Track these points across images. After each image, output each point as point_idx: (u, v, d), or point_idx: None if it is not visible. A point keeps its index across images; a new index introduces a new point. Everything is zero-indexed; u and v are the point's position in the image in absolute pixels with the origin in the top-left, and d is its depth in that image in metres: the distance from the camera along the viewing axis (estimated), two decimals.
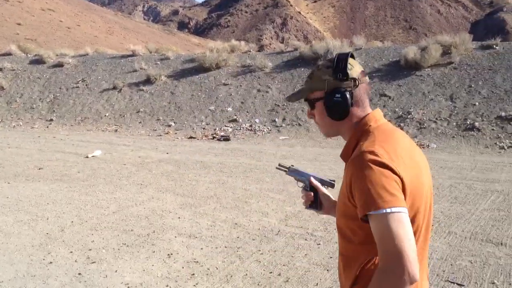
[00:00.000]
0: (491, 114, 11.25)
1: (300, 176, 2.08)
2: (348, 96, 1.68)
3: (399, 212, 1.45)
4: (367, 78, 1.76)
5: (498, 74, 12.46)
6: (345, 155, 1.71)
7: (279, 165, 2.19)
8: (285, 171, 2.14)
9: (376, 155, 1.53)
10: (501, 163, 8.85)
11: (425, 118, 11.83)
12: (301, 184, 2.08)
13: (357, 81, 1.70)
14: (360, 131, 1.69)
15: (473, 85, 12.40)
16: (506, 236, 5.28)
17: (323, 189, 2.05)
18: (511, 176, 7.85)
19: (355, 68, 1.70)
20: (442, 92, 12.58)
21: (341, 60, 1.69)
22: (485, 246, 5.05)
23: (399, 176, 1.51)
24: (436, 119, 11.70)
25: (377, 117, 1.72)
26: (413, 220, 1.56)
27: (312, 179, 2.05)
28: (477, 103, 11.76)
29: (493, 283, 4.24)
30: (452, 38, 14.06)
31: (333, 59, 1.71)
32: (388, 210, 1.44)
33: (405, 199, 1.51)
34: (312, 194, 2.03)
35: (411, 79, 13.38)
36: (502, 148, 10.00)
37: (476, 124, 11.02)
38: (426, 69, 13.50)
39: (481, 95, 12.00)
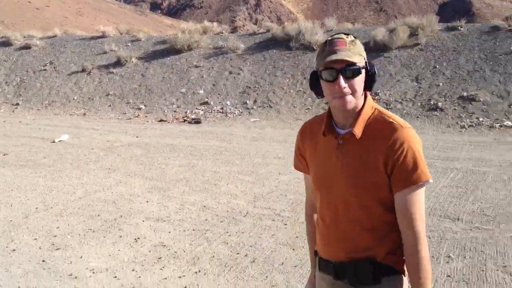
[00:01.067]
0: (454, 95, 11.44)
1: None
2: None
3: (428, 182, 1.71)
4: None
5: (461, 55, 12.63)
6: (356, 133, 1.74)
7: None
8: None
9: (414, 131, 1.73)
10: (461, 142, 9.03)
11: (391, 99, 11.95)
12: None
13: None
14: (369, 111, 1.77)
15: (437, 66, 12.54)
16: (463, 212, 5.43)
17: None
18: (470, 154, 8.01)
19: None
20: (408, 73, 12.70)
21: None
22: (443, 221, 5.18)
23: None
24: (402, 99, 11.84)
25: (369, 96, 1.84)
26: None
27: None
28: (441, 84, 11.92)
29: (449, 256, 4.35)
30: (419, 19, 14.15)
31: (353, 34, 1.75)
32: (431, 181, 1.70)
33: None
34: None
35: (379, 60, 13.45)
36: (463, 127, 10.20)
37: (440, 104, 11.18)
38: (394, 51, 13.58)
39: (445, 76, 12.16)
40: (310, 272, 2.10)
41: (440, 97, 11.50)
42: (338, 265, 1.82)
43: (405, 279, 1.82)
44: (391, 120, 1.73)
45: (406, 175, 1.67)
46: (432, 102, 11.40)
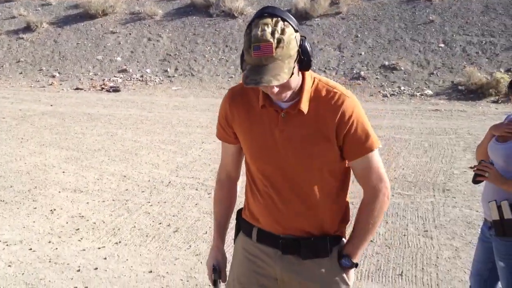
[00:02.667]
0: (376, 64, 11.76)
1: None
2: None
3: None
4: None
5: (382, 24, 12.96)
6: (300, 107, 1.68)
7: None
8: None
9: (357, 99, 1.75)
10: (384, 110, 9.33)
11: (315, 68, 12.09)
12: None
13: None
14: (310, 83, 1.72)
15: (359, 35, 12.81)
16: None
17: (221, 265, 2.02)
18: (392, 122, 8.30)
19: None
20: (331, 42, 12.89)
21: (285, 13, 1.57)
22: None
23: None
24: (326, 68, 12.03)
25: None
26: None
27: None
28: (363, 53, 12.21)
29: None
30: None
31: (281, 18, 1.54)
32: (377, 148, 1.75)
33: None
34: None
35: (301, 28, 13.47)
36: (385, 96, 10.52)
37: (362, 73, 11.47)
38: (316, 19, 13.71)
39: (367, 44, 12.46)
40: (213, 243, 2.03)
41: (362, 66, 11.78)
42: (288, 240, 1.80)
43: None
44: (335, 90, 1.70)
45: (360, 145, 1.70)
46: (354, 71, 11.66)
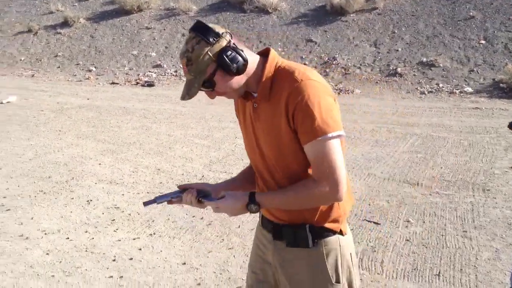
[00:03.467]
0: (413, 60, 11.53)
1: (170, 195, 1.93)
2: (234, 49, 1.70)
3: (336, 136, 1.65)
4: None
5: (420, 20, 12.70)
6: (263, 95, 1.74)
7: (144, 203, 1.97)
8: (152, 201, 1.93)
9: (315, 82, 1.67)
10: (421, 108, 9.14)
11: (350, 64, 11.96)
12: (176, 196, 1.93)
13: (228, 35, 1.71)
14: (271, 71, 1.75)
15: (396, 31, 12.60)
16: (422, 177, 5.49)
17: (200, 186, 1.96)
18: (430, 120, 8.13)
19: (216, 27, 1.72)
20: (367, 37, 12.72)
21: (203, 27, 1.70)
22: (402, 186, 5.24)
23: (334, 100, 1.72)
24: (361, 65, 11.87)
25: (276, 54, 1.80)
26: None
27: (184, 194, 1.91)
28: (400, 49, 12.00)
29: (408, 221, 4.41)
30: None
31: (195, 34, 1.69)
32: (331, 135, 1.64)
33: None
34: (195, 197, 1.91)
35: (336, 24, 13.42)
36: (423, 93, 10.31)
37: (399, 69, 11.26)
38: (352, 15, 13.56)
39: (404, 41, 12.24)
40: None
41: (399, 63, 11.57)
42: (276, 226, 1.86)
43: (345, 238, 1.85)
44: (292, 73, 1.70)
45: (308, 129, 1.64)
46: (391, 68, 11.46)
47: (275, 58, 1.78)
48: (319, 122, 1.62)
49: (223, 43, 1.69)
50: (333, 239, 1.81)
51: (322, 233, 1.80)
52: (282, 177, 1.78)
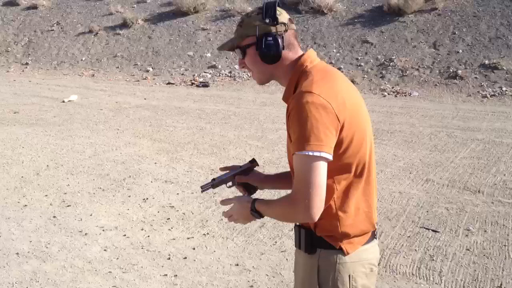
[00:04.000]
0: (475, 62, 11.17)
1: (225, 180, 2.08)
2: (279, 39, 1.72)
3: (319, 157, 1.55)
4: (294, 25, 1.81)
5: (482, 21, 12.28)
6: (287, 98, 1.75)
7: (202, 187, 2.11)
8: (211, 187, 2.09)
9: (313, 95, 1.59)
10: (483, 112, 8.84)
11: (407, 66, 11.71)
12: (230, 184, 2.09)
13: (286, 26, 1.74)
14: (297, 73, 1.75)
15: (457, 32, 12.24)
16: (484, 184, 5.30)
17: (253, 177, 2.09)
18: (492, 125, 7.84)
19: (283, 15, 1.75)
20: (425, 39, 12.41)
21: (270, 6, 1.73)
22: (462, 193, 5.07)
23: (336, 115, 1.59)
24: (419, 66, 11.60)
25: (312, 57, 1.77)
26: (355, 157, 1.67)
27: (237, 177, 2.07)
28: (460, 51, 11.64)
29: (469, 230, 4.27)
30: None
31: (262, 9, 1.73)
32: (310, 153, 1.55)
33: (341, 137, 1.62)
34: (244, 188, 2.08)
35: (394, 25, 13.17)
36: (485, 96, 9.97)
37: (459, 72, 10.93)
38: (410, 15, 13.27)
39: (465, 42, 11.87)
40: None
41: (460, 65, 11.22)
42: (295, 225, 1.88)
43: (348, 258, 1.72)
44: (305, 79, 1.69)
45: (293, 140, 1.61)
46: (451, 70, 11.14)
47: (307, 60, 1.76)
48: (300, 136, 1.57)
49: (273, 29, 1.72)
50: (330, 253, 1.73)
51: (320, 243, 1.74)
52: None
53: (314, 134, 1.55)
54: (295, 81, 1.73)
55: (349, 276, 1.73)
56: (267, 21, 1.71)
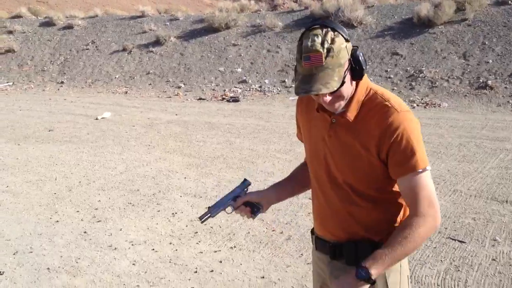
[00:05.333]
0: (505, 72, 11.00)
1: (222, 205, 2.06)
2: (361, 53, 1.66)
3: (429, 169, 1.67)
4: None
5: None
6: (348, 116, 1.69)
7: (200, 218, 2.09)
8: (208, 216, 2.07)
9: (411, 114, 1.65)
10: None
11: (437, 77, 11.62)
12: (229, 210, 2.07)
13: None
14: (362, 93, 1.71)
15: (487, 42, 12.09)
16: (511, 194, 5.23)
17: (250, 195, 2.07)
18: None
19: None
20: (455, 50, 12.30)
21: (336, 25, 1.62)
22: (490, 204, 5.01)
23: None
24: (449, 77, 11.49)
25: (366, 76, 1.74)
26: None
27: (237, 200, 2.06)
28: (490, 61, 11.49)
29: (495, 240, 4.22)
30: None
31: (331, 28, 1.58)
32: (428, 168, 1.65)
33: None
34: (246, 207, 2.06)
35: (423, 37, 13.09)
36: None
37: (489, 82, 10.79)
38: (439, 27, 13.17)
39: (495, 52, 11.71)
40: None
41: (490, 75, 11.08)
42: (335, 244, 1.82)
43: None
44: (386, 103, 1.65)
45: (402, 162, 1.61)
46: (481, 80, 11.00)
47: (367, 80, 1.73)
48: (419, 156, 1.61)
49: (351, 45, 1.63)
50: None
51: (378, 246, 1.71)
52: (348, 194, 1.76)
53: (422, 151, 1.63)
54: (362, 102, 1.69)
55: (407, 277, 1.81)
56: (346, 37, 1.60)
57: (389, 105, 1.64)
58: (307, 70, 1.56)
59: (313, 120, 1.83)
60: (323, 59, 1.54)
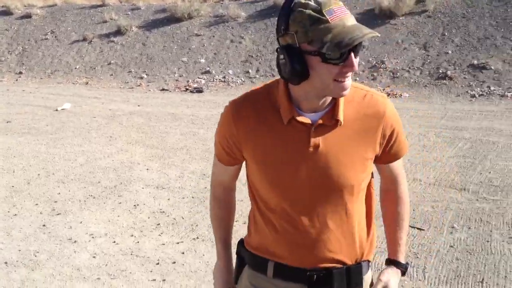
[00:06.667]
0: (464, 63, 11.25)
1: None
2: None
3: None
4: None
5: (471, 22, 12.38)
6: (334, 118, 1.46)
7: None
8: None
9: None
10: (471, 111, 8.91)
11: (398, 68, 11.78)
12: None
13: None
14: None
15: (446, 33, 12.32)
16: (469, 182, 5.36)
17: None
18: (479, 124, 7.91)
19: None
20: (416, 40, 12.49)
21: None
22: (448, 192, 5.13)
23: None
24: (409, 68, 11.67)
25: None
26: None
27: None
28: (450, 52, 11.72)
29: (453, 227, 4.32)
30: None
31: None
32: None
33: None
34: None
35: (385, 28, 13.24)
36: (473, 96, 10.04)
37: (449, 72, 11.00)
38: (401, 18, 13.35)
39: (454, 43, 11.95)
40: (220, 263, 1.85)
41: (449, 65, 11.30)
42: (316, 272, 1.55)
43: None
44: (368, 93, 1.51)
45: (399, 148, 1.58)
46: (441, 71, 11.21)
47: None
48: (406, 142, 1.64)
49: None
50: (368, 269, 1.67)
51: (367, 266, 1.65)
52: (342, 207, 1.54)
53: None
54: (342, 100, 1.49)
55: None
56: None
57: (373, 94, 1.51)
58: (339, 22, 1.30)
59: (277, 135, 1.48)
60: (347, 11, 1.34)
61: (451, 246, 3.98)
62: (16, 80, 16.02)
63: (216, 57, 14.62)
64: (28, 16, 20.09)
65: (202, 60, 14.66)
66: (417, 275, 3.59)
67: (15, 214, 4.93)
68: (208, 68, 14.18)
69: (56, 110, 10.58)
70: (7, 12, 20.84)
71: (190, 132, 8.30)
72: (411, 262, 3.75)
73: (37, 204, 5.19)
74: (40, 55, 17.43)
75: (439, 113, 8.85)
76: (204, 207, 5.03)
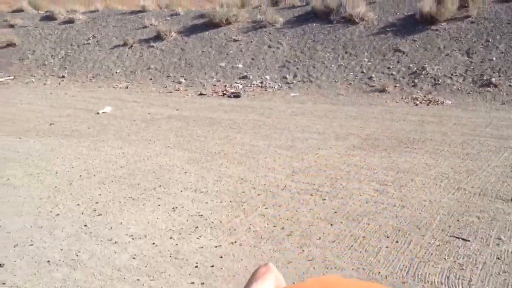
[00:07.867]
0: (509, 70, 10.94)
1: None
2: None
3: None
4: None
5: None
6: None
7: None
8: None
9: None
10: None
11: (440, 74, 11.55)
12: None
13: None
14: None
15: (490, 40, 12.02)
16: None
17: None
18: None
19: None
20: (458, 47, 12.24)
21: None
22: (494, 202, 4.97)
23: None
24: (452, 75, 11.42)
25: None
26: None
27: None
28: (494, 58, 11.43)
29: (500, 238, 4.18)
30: None
31: None
32: None
33: None
34: None
35: (426, 33, 13.02)
36: None
37: (493, 80, 10.73)
38: (442, 23, 13.11)
39: (499, 50, 11.65)
40: None
41: (493, 72, 11.02)
42: None
43: None
44: None
45: None
46: (484, 78, 10.94)
47: None
48: None
49: None
50: None
51: None
52: None
53: None
54: None
55: None
56: None
57: None
58: None
59: None
60: None
61: (498, 258, 3.84)
62: (59, 83, 16.41)
63: (254, 63, 14.64)
64: (71, 21, 20.62)
65: (240, 65, 14.70)
66: (462, 287, 3.48)
67: (58, 214, 5.02)
68: (245, 73, 14.21)
69: (97, 113, 10.78)
70: (50, 18, 21.43)
71: (227, 137, 8.31)
72: (456, 274, 3.64)
73: (78, 205, 5.28)
74: (82, 59, 17.83)
75: (483, 121, 8.61)
76: (242, 211, 5.02)
